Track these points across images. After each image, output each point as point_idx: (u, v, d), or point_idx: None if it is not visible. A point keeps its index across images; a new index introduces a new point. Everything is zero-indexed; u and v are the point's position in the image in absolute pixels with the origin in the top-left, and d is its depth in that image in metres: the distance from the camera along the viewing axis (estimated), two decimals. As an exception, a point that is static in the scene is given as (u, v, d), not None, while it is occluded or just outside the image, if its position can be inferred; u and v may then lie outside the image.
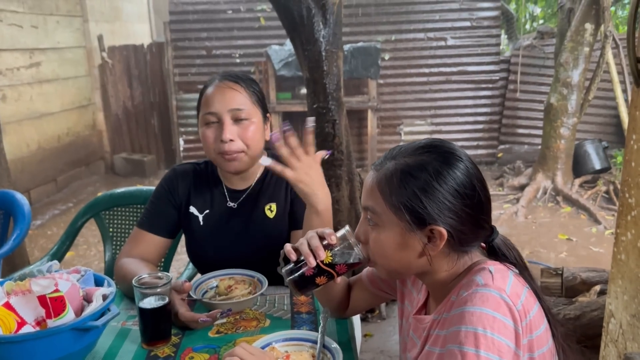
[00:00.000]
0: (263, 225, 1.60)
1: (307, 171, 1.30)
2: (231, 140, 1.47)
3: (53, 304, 1.13)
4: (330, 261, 1.08)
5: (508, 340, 0.89)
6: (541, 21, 8.47)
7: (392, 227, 0.99)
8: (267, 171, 1.62)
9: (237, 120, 1.50)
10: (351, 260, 1.08)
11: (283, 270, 1.10)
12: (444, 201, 0.96)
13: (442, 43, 6.62)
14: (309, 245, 1.09)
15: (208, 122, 1.51)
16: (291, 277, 1.09)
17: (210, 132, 1.50)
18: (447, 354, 0.92)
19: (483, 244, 1.05)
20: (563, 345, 1.01)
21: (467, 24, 6.59)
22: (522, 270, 1.03)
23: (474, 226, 0.99)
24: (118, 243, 2.20)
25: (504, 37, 7.38)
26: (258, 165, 1.60)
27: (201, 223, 1.61)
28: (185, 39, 6.71)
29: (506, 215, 5.03)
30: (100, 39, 6.68)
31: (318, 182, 1.32)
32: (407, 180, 0.97)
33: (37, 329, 1.13)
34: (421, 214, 0.96)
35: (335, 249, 1.08)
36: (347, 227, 1.09)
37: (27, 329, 1.12)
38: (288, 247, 1.12)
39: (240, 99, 1.50)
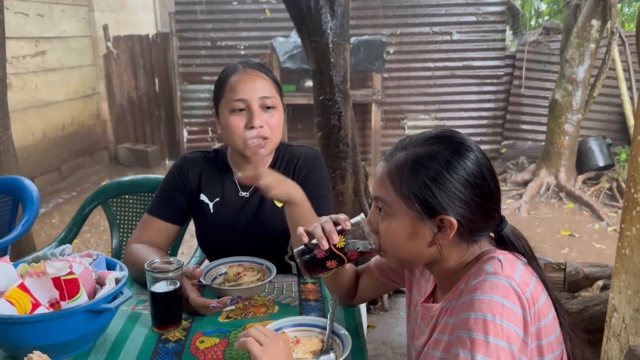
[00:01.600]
0: (272, 214, 1.61)
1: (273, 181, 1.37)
2: (261, 127, 1.49)
3: (67, 286, 1.14)
4: (342, 246, 1.09)
5: (517, 328, 0.90)
6: (547, 17, 8.44)
7: (403, 216, 1.00)
8: (276, 161, 1.63)
9: (264, 107, 1.51)
10: (362, 248, 1.09)
11: (295, 250, 1.12)
12: (454, 191, 0.97)
13: (448, 37, 6.62)
14: (323, 229, 1.11)
15: (235, 109, 1.51)
16: (303, 258, 1.10)
17: (239, 119, 1.50)
18: (456, 341, 0.93)
19: (492, 234, 1.07)
20: (570, 334, 1.03)
21: (473, 18, 6.58)
22: (531, 259, 1.04)
23: (484, 216, 1.00)
24: (125, 230, 2.22)
25: (509, 33, 7.36)
26: (269, 155, 1.62)
27: (211, 211, 1.62)
28: (190, 29, 6.72)
29: (509, 211, 5.04)
30: (105, 28, 6.68)
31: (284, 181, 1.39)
32: (418, 170, 0.98)
33: (51, 310, 1.15)
34: (431, 203, 0.97)
35: (349, 235, 1.10)
36: (362, 215, 1.11)
37: (41, 310, 1.14)
38: (301, 229, 1.13)
39: (268, 87, 1.52)
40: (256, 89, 1.50)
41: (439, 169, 0.97)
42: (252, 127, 1.49)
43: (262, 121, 1.50)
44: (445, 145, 1.00)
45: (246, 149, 1.52)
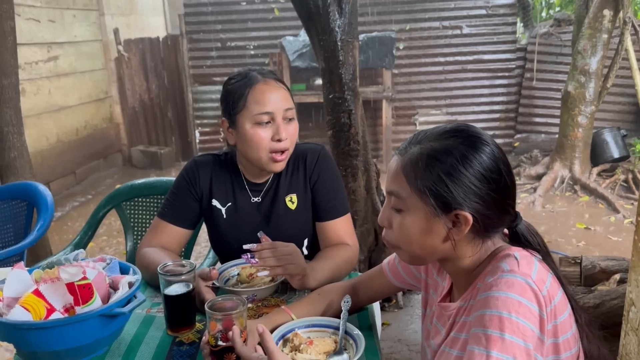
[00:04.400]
0: (286, 216, 1.61)
1: (291, 260, 1.38)
2: (286, 138, 1.50)
3: (81, 291, 1.15)
4: (214, 342, 1.09)
5: (533, 325, 0.89)
6: (557, 8, 8.34)
7: (417, 211, 0.99)
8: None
9: (286, 119, 1.52)
10: (223, 327, 1.09)
11: None
12: (470, 185, 0.95)
13: (458, 32, 6.57)
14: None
15: (262, 121, 1.49)
16: None
17: (265, 131, 1.49)
18: (471, 338, 0.92)
19: (506, 230, 1.05)
20: (586, 331, 1.01)
21: (483, 12, 6.53)
22: (545, 256, 1.03)
23: (499, 211, 0.99)
24: (139, 233, 2.23)
25: (520, 25, 7.28)
26: None
27: (224, 216, 1.62)
28: (200, 31, 6.74)
29: (523, 205, 5.00)
30: (116, 32, 6.73)
31: (303, 264, 1.41)
32: (433, 164, 0.97)
33: (66, 315, 1.16)
34: (447, 198, 0.96)
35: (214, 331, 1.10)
36: (205, 305, 1.11)
37: (56, 316, 1.15)
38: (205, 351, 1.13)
39: (289, 99, 1.53)
40: (281, 101, 1.50)
41: (454, 163, 0.96)
42: (279, 140, 1.49)
43: (287, 134, 1.50)
44: (461, 139, 0.98)
45: (268, 162, 1.52)
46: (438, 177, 0.96)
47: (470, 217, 0.96)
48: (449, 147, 0.97)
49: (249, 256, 1.36)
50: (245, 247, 1.37)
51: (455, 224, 0.98)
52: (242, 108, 1.50)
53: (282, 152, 1.51)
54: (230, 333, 1.07)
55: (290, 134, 1.52)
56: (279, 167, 1.53)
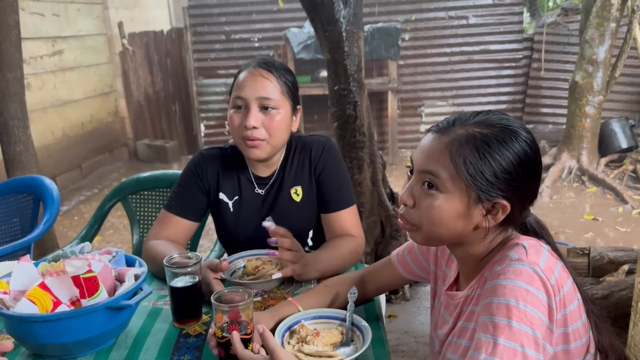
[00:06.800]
0: (291, 209, 1.61)
1: (298, 258, 1.40)
2: (254, 127, 1.48)
3: (87, 284, 1.15)
4: (220, 334, 1.08)
5: (541, 314, 0.89)
6: (565, -3, 8.27)
7: (459, 194, 0.96)
8: (289, 156, 1.62)
9: (264, 108, 1.50)
10: (229, 319, 1.08)
11: None
12: (514, 175, 0.95)
13: (464, 22, 6.53)
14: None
15: (236, 106, 1.52)
16: None
17: (237, 117, 1.51)
18: (478, 326, 0.92)
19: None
20: (596, 321, 1.01)
21: (489, 1, 6.48)
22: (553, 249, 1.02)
23: (529, 202, 1.00)
24: (145, 226, 2.23)
25: (526, 15, 7.23)
26: (280, 151, 1.61)
27: (231, 210, 1.62)
28: (204, 24, 6.73)
29: (530, 196, 4.97)
30: (120, 25, 6.72)
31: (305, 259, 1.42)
32: (484, 149, 0.95)
33: (72, 308, 1.16)
34: (492, 185, 0.95)
35: (220, 322, 1.09)
36: (212, 297, 1.10)
37: (62, 309, 1.15)
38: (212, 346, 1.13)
39: (270, 88, 1.50)
40: (257, 88, 1.49)
41: (505, 152, 0.95)
42: (245, 127, 1.48)
43: (257, 122, 1.48)
44: (509, 129, 0.97)
45: (243, 148, 1.52)
46: (488, 163, 0.95)
47: (508, 206, 0.96)
48: (499, 134, 0.96)
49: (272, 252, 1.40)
50: (264, 224, 1.39)
51: (490, 212, 0.97)
52: (231, 92, 1.56)
53: (253, 139, 1.50)
54: (233, 339, 1.06)
55: (267, 124, 1.50)
56: (253, 153, 1.52)
